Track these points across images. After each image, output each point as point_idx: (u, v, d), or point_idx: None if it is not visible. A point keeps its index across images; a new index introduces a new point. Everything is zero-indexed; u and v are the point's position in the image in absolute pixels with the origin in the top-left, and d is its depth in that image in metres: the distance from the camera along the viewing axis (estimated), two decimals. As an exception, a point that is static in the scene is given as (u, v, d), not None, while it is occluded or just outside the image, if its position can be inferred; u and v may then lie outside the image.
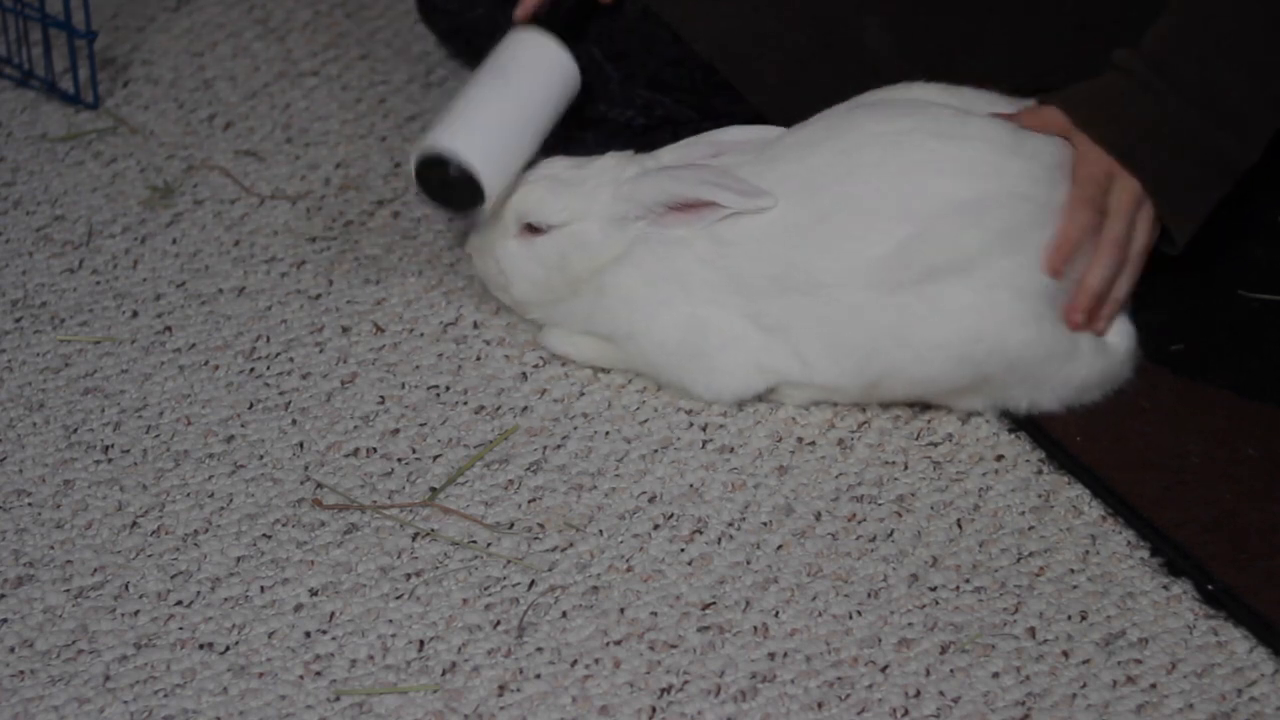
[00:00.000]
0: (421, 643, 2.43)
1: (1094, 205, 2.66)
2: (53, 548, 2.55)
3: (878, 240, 2.63)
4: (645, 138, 3.02)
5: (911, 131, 2.66)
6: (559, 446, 2.70)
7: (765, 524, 2.60)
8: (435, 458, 2.68)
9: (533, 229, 2.78)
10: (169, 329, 2.88)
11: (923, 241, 2.62)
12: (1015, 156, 2.64)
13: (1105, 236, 2.67)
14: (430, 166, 2.78)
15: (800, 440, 2.72)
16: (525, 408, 2.76)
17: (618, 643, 2.44)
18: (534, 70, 2.88)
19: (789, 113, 2.88)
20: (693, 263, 2.70)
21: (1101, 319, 2.70)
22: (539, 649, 2.42)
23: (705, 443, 2.71)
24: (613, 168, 2.76)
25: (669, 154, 2.79)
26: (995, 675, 2.40)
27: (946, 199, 2.62)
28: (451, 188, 2.78)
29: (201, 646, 2.42)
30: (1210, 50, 2.67)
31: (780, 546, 2.57)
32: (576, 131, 3.02)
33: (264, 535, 2.57)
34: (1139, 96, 2.67)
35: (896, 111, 2.69)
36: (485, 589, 2.50)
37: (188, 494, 2.62)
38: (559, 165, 2.81)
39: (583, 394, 2.79)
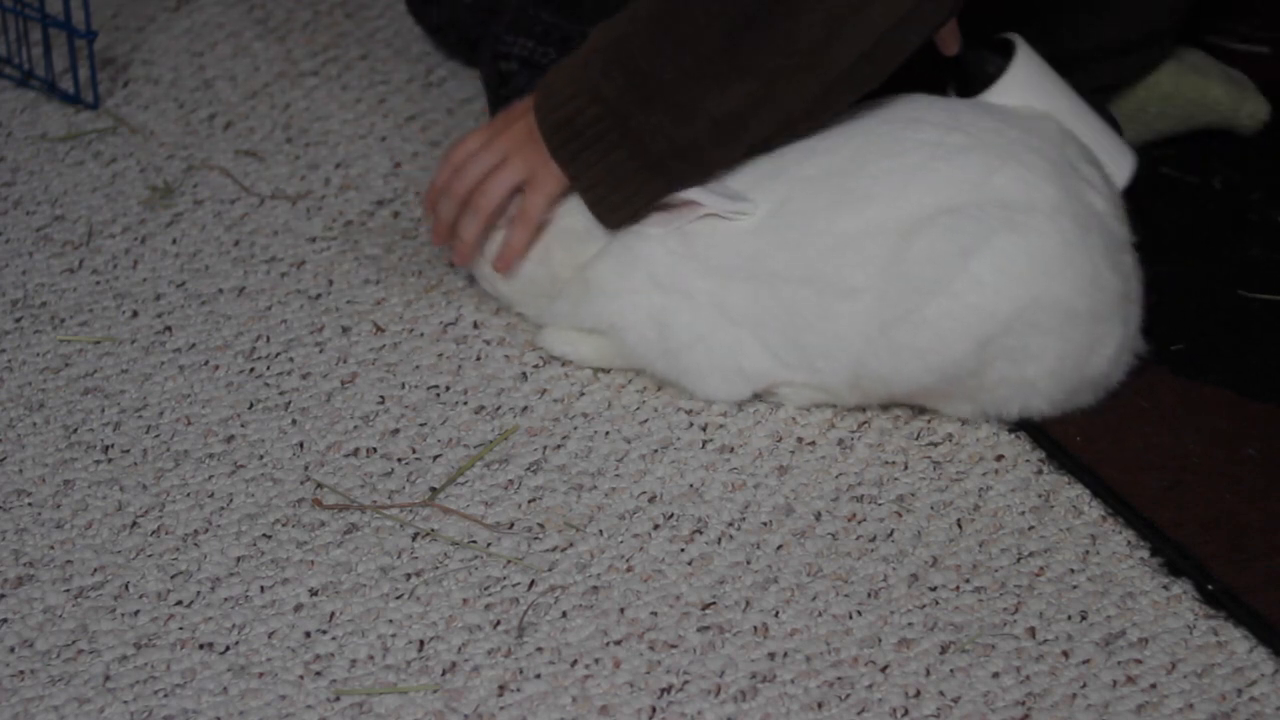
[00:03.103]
0: (421, 643, 2.43)
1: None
2: (53, 548, 2.55)
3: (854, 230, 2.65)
4: None
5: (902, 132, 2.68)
6: (559, 446, 2.70)
7: (765, 524, 2.60)
8: (435, 458, 2.68)
9: None
10: (169, 329, 2.88)
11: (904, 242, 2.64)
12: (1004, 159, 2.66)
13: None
14: None
15: (800, 440, 2.72)
16: (525, 408, 2.76)
17: (618, 643, 2.44)
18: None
19: None
20: (660, 252, 2.71)
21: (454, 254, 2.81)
22: (539, 649, 2.43)
23: (705, 443, 2.71)
24: None
25: None
26: (995, 675, 2.40)
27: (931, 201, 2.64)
28: None
29: (201, 646, 2.42)
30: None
31: (780, 546, 2.57)
32: None
33: (264, 535, 2.57)
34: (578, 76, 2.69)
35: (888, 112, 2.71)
36: (485, 589, 2.50)
37: (188, 494, 2.63)
38: None
39: (583, 394, 2.79)
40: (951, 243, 2.61)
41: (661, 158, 2.67)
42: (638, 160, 2.67)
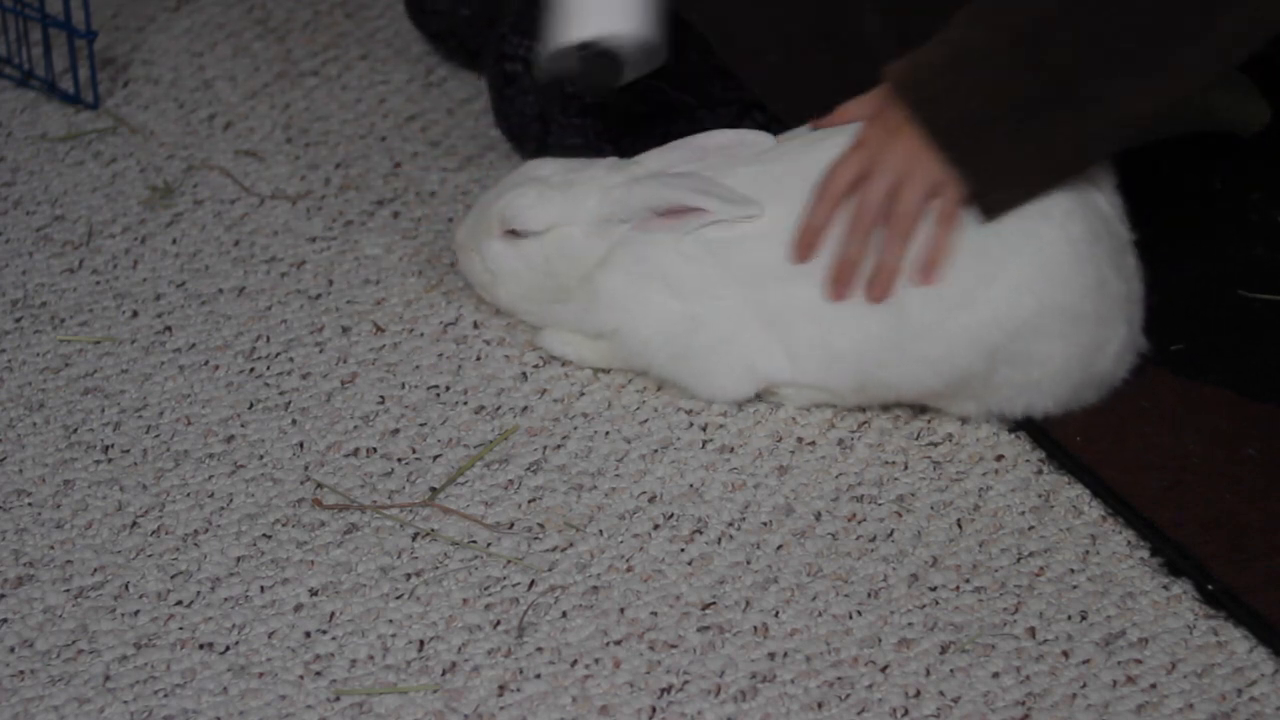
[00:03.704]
0: (421, 643, 2.43)
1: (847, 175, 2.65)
2: (53, 548, 2.55)
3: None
4: (646, 125, 3.03)
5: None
6: (559, 446, 2.70)
7: (765, 524, 2.60)
8: (435, 458, 2.68)
9: (517, 231, 2.79)
10: (169, 329, 2.88)
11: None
12: None
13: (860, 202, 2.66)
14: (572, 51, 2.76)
15: (800, 440, 2.72)
16: (525, 408, 2.76)
17: (618, 643, 2.44)
18: None
19: (787, 100, 2.88)
20: (677, 260, 2.71)
21: (871, 286, 2.65)
22: (539, 649, 2.43)
23: (705, 443, 2.71)
24: (602, 176, 2.77)
25: (653, 159, 2.79)
26: (995, 675, 2.40)
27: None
28: (592, 66, 2.77)
29: (201, 646, 2.42)
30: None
31: (780, 546, 2.57)
32: (576, 119, 3.03)
33: (264, 535, 2.57)
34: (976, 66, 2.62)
35: None
36: (485, 589, 2.50)
37: (188, 494, 2.63)
38: (549, 168, 2.81)
39: (583, 394, 2.79)
40: (973, 258, 2.62)
41: (1066, 156, 2.62)
42: (1039, 158, 2.61)
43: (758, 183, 2.70)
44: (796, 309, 2.68)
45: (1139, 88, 2.57)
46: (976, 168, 2.62)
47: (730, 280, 2.70)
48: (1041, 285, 2.62)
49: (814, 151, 2.70)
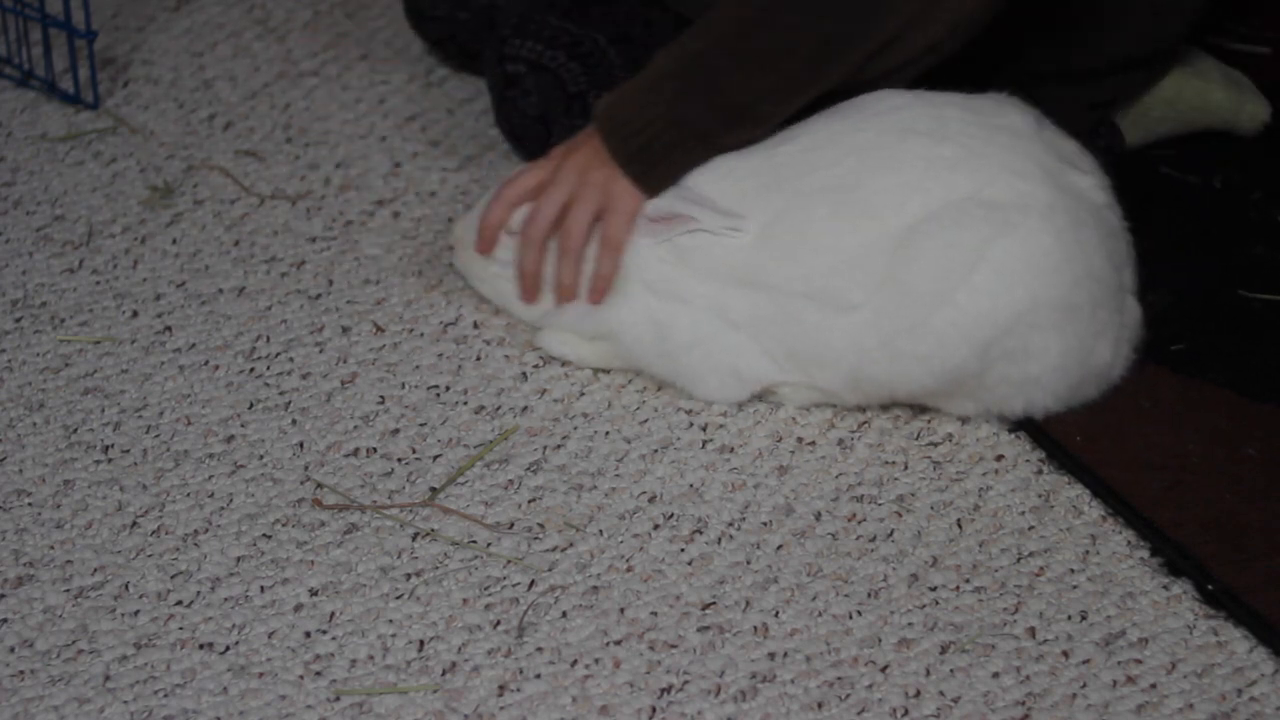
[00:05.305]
0: (421, 643, 2.43)
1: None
2: (53, 548, 2.55)
3: (843, 241, 2.65)
4: None
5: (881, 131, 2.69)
6: (559, 446, 2.71)
7: (765, 524, 2.60)
8: (435, 458, 2.68)
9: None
10: (169, 329, 2.88)
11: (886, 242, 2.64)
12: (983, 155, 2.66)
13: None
14: None
15: (800, 440, 2.72)
16: (525, 408, 2.76)
17: (618, 643, 2.44)
18: None
19: None
20: (651, 260, 2.72)
21: (556, 295, 2.79)
22: (539, 649, 2.43)
23: (705, 443, 2.71)
24: None
25: None
26: (995, 675, 2.40)
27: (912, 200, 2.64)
28: None
29: (201, 646, 2.42)
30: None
31: (780, 546, 2.57)
32: (579, 120, 3.03)
33: (264, 535, 2.57)
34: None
35: (867, 114, 2.71)
36: (485, 589, 2.50)
37: (188, 494, 2.63)
38: None
39: (583, 394, 2.79)
40: (953, 255, 2.61)
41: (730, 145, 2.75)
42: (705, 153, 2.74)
43: (740, 189, 2.71)
44: (778, 313, 2.68)
45: (807, 100, 2.71)
46: (659, 184, 2.73)
47: (709, 281, 2.70)
48: (1029, 277, 2.61)
49: (778, 155, 2.71)
